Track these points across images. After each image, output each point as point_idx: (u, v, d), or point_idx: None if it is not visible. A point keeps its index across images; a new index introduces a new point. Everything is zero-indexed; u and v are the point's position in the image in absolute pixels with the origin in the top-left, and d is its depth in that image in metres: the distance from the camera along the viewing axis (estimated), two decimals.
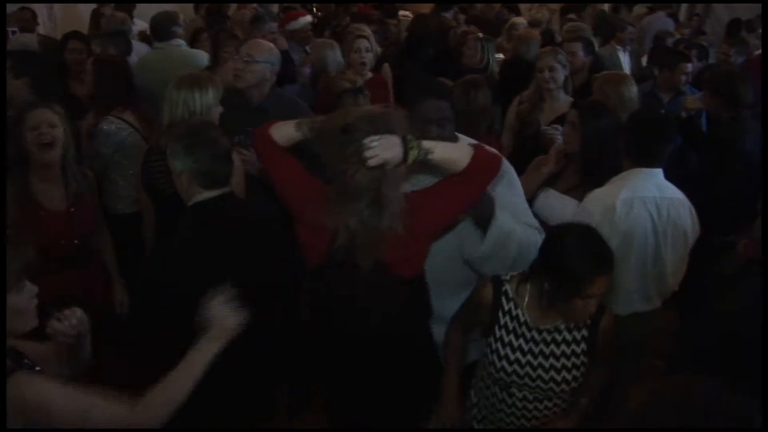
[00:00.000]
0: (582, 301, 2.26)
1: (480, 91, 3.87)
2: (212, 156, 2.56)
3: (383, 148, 2.19)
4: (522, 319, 2.48)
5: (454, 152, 2.36)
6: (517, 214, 2.73)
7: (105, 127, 3.94)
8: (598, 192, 3.02)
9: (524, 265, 2.58)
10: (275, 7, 8.32)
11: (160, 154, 3.16)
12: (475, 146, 2.40)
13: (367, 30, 5.46)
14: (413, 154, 2.25)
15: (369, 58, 5.12)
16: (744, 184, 4.15)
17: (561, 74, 4.40)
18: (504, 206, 2.64)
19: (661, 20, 9.22)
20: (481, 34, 5.84)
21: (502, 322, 2.50)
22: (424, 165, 2.36)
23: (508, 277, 2.53)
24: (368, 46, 5.11)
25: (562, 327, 2.47)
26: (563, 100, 4.40)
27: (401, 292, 2.40)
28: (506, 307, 2.50)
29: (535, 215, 2.96)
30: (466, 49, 5.50)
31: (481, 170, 2.37)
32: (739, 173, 4.26)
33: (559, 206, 3.24)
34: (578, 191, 3.23)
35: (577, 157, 3.33)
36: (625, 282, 3.03)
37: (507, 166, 2.74)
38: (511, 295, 2.50)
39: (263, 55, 3.77)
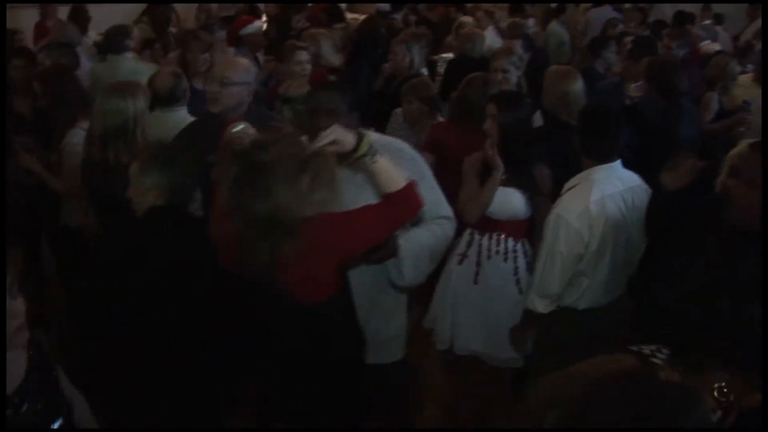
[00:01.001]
0: None
1: (492, 87, 4.00)
2: (183, 177, 2.63)
3: (339, 131, 2.26)
4: None
5: (395, 171, 2.37)
6: (428, 207, 2.72)
7: (75, 140, 3.78)
8: (568, 198, 3.06)
9: (437, 260, 2.76)
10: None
11: (96, 166, 3.18)
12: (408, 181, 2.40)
13: (314, 39, 5.51)
14: (363, 148, 2.29)
15: (309, 69, 5.09)
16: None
17: (514, 75, 4.53)
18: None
19: (607, 13, 9.40)
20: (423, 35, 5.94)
21: None
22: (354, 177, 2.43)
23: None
24: (308, 57, 5.11)
25: None
26: None
27: (309, 316, 2.37)
28: None
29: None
30: (391, 54, 5.50)
31: (408, 202, 2.39)
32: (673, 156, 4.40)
33: (504, 200, 3.31)
34: (508, 182, 3.31)
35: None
36: (602, 277, 3.10)
37: (416, 159, 2.81)
38: None
39: (240, 75, 3.51)
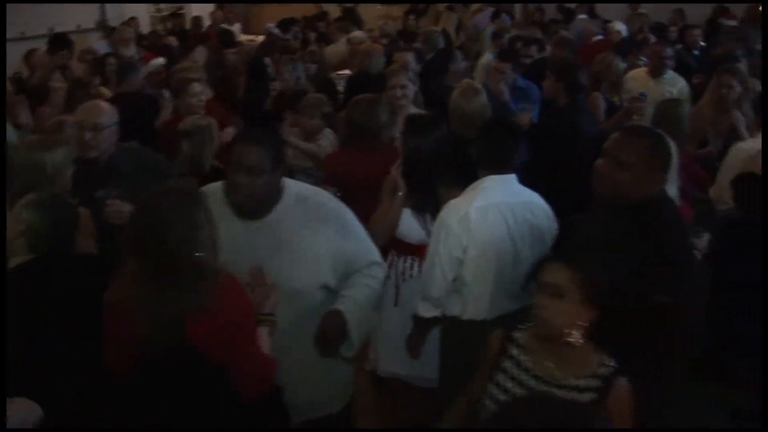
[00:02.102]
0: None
1: (380, 106, 3.96)
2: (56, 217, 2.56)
3: None
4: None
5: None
6: (356, 259, 2.73)
7: None
8: (453, 202, 3.07)
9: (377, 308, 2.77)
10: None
11: None
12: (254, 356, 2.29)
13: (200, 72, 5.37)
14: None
15: (204, 100, 4.98)
16: (580, 162, 4.39)
17: (411, 90, 4.56)
18: (340, 256, 2.67)
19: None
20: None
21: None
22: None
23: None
24: (202, 88, 5.01)
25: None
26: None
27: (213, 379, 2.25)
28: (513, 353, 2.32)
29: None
30: (279, 74, 5.50)
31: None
32: (579, 152, 4.51)
33: (408, 223, 3.32)
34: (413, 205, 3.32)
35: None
36: (486, 288, 3.10)
37: (339, 212, 2.74)
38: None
39: (107, 117, 3.51)
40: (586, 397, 2.07)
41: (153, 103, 5.63)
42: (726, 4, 10.82)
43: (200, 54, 7.86)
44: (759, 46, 6.99)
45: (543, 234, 3.14)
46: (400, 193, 3.27)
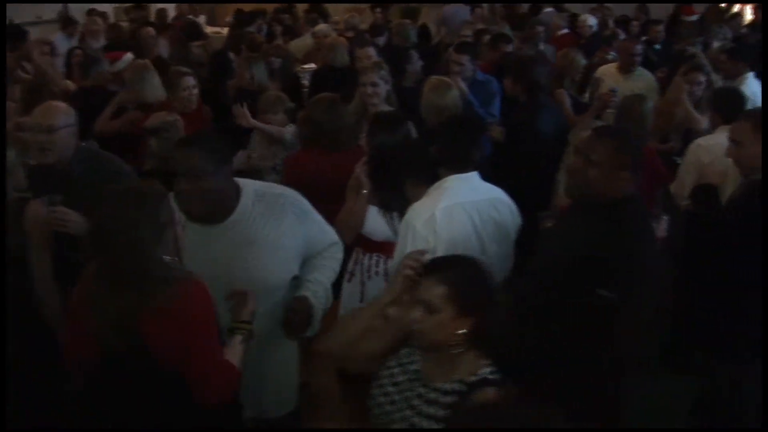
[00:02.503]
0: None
1: (340, 107, 3.91)
2: None
3: None
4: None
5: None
6: (317, 241, 2.80)
7: None
8: (418, 204, 3.07)
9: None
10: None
11: None
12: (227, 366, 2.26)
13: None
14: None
15: (196, 93, 4.89)
16: (541, 158, 4.49)
17: (383, 88, 4.51)
18: (303, 241, 2.70)
19: (461, 10, 9.61)
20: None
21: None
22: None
23: None
24: (195, 82, 4.90)
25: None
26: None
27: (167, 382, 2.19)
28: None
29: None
30: (237, 73, 5.46)
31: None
32: (537, 149, 4.57)
33: (373, 221, 3.33)
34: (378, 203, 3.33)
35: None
36: None
37: (294, 199, 2.74)
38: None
39: (63, 118, 3.32)
40: (448, 399, 2.06)
41: None
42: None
43: (162, 47, 7.68)
44: (716, 43, 7.10)
45: (508, 229, 3.19)
46: (364, 192, 3.27)
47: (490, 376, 2.06)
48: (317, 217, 2.84)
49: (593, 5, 10.48)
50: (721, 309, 3.27)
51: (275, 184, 2.86)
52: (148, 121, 4.06)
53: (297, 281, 2.76)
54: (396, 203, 3.29)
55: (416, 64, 5.64)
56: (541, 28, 7.17)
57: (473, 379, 2.06)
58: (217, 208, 2.52)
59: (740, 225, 3.15)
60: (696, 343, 3.84)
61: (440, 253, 2.95)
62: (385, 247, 3.33)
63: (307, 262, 2.79)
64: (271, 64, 5.86)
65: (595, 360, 2.49)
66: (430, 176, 3.21)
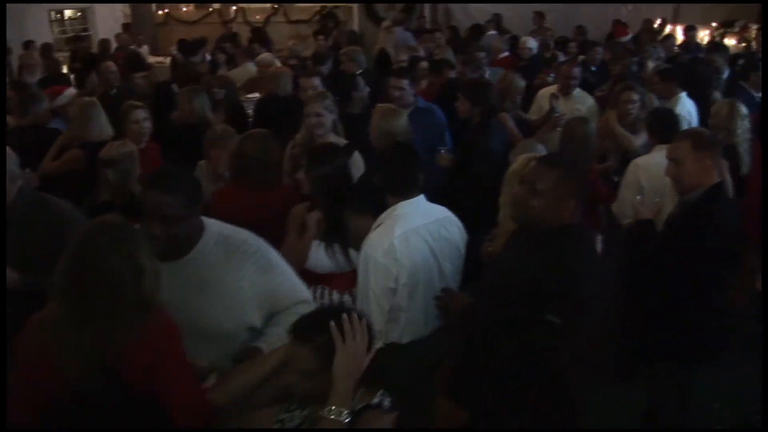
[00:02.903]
0: None
1: (270, 144, 3.82)
2: None
3: None
4: None
5: None
6: (282, 296, 2.66)
7: None
8: (374, 235, 3.08)
9: None
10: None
11: None
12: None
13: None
14: None
15: (148, 126, 4.78)
16: (494, 178, 4.50)
17: (328, 118, 4.47)
18: (265, 294, 2.58)
19: (401, 35, 9.73)
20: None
21: None
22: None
23: None
24: (146, 115, 4.81)
25: None
26: (333, 141, 4.30)
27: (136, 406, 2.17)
28: None
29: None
30: (179, 105, 5.34)
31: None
32: (489, 169, 4.61)
33: (315, 255, 3.31)
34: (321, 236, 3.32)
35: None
36: (420, 309, 3.14)
37: (259, 248, 2.63)
38: None
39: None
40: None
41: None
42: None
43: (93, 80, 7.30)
44: (651, 63, 7.32)
45: (458, 246, 3.28)
46: (312, 227, 3.25)
47: (375, 401, 2.13)
48: (287, 272, 2.72)
49: (534, 28, 10.77)
50: (663, 320, 3.36)
51: (244, 231, 2.68)
52: (103, 152, 3.93)
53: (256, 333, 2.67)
54: (338, 235, 3.29)
55: (363, 90, 5.65)
56: (482, 54, 7.27)
57: (360, 406, 2.10)
58: (177, 248, 2.47)
59: (678, 244, 3.25)
60: (643, 353, 3.97)
61: (404, 279, 3.04)
62: (328, 279, 3.32)
63: (272, 317, 2.67)
64: (215, 95, 5.79)
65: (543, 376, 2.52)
66: (376, 205, 3.23)
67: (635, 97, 5.13)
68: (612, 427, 3.82)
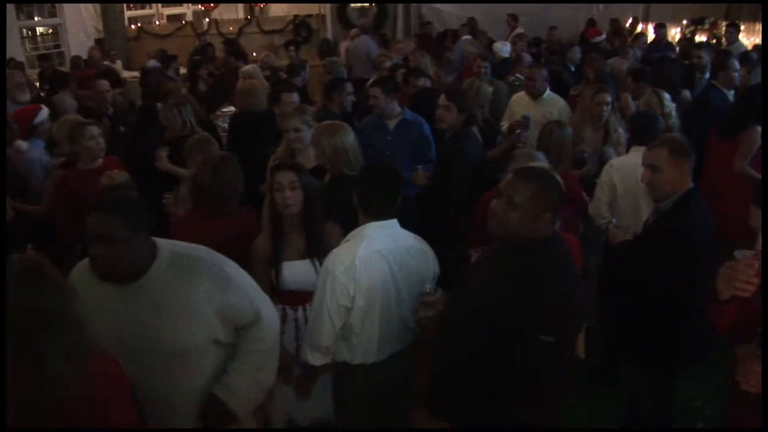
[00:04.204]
0: None
1: (228, 166, 3.73)
2: None
3: None
4: None
5: None
6: (242, 313, 2.66)
7: None
8: (337, 251, 3.06)
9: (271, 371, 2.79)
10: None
11: None
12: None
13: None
14: None
15: (102, 143, 4.68)
16: (465, 188, 4.56)
17: (307, 133, 4.42)
18: (225, 309, 2.59)
19: (364, 43, 9.71)
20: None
21: None
22: None
23: None
24: (100, 131, 4.76)
25: None
26: (313, 155, 4.30)
27: None
28: None
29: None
30: (167, 122, 5.28)
31: None
32: (466, 176, 4.64)
33: (304, 272, 3.31)
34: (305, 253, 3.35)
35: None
36: (373, 333, 3.11)
37: (214, 264, 2.62)
38: None
39: None
40: None
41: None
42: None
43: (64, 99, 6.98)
44: (624, 63, 7.38)
45: (423, 276, 3.16)
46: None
47: None
48: (245, 285, 2.70)
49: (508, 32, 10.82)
50: (641, 327, 3.38)
51: (199, 247, 2.68)
52: (102, 179, 3.93)
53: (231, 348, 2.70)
54: (321, 249, 3.27)
55: (343, 93, 5.63)
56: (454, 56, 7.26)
57: None
58: (127, 270, 2.46)
59: (654, 250, 3.27)
60: (620, 359, 3.99)
61: (360, 301, 3.01)
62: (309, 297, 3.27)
63: (237, 342, 2.71)
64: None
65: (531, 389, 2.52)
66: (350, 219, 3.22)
67: (608, 98, 5.14)
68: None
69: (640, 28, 11.66)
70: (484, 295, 2.56)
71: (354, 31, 11.13)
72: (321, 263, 3.16)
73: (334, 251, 3.06)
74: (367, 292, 3.01)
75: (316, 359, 3.08)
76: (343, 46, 10.87)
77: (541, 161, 3.72)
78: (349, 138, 4.01)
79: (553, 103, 6.04)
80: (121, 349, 2.34)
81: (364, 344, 3.11)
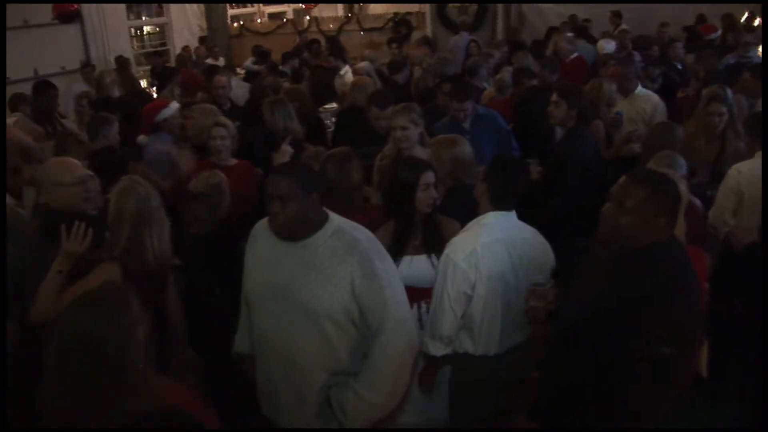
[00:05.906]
0: None
1: (353, 164, 3.74)
2: None
3: None
4: None
5: None
6: (372, 312, 2.67)
7: None
8: (457, 239, 3.07)
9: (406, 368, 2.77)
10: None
11: None
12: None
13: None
14: None
15: (228, 145, 4.73)
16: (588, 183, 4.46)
17: (414, 132, 4.39)
18: (357, 295, 2.65)
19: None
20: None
21: None
22: None
23: None
24: (226, 133, 4.74)
25: None
26: (420, 153, 4.28)
27: None
28: None
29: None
30: (267, 120, 5.33)
31: None
32: (584, 174, 4.61)
33: (423, 268, 3.26)
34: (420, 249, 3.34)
35: None
36: (496, 322, 3.09)
37: (370, 253, 2.68)
38: None
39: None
40: None
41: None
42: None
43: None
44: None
45: (541, 268, 3.19)
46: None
47: None
48: (385, 287, 2.68)
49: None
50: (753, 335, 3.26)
51: (365, 232, 2.80)
52: (192, 184, 3.89)
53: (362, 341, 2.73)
54: (436, 245, 3.26)
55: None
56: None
57: None
58: (298, 229, 2.70)
59: None
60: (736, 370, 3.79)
61: (481, 289, 3.01)
62: (427, 293, 3.23)
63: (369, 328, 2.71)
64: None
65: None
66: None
67: (723, 109, 4.76)
68: None
69: (757, 22, 11.00)
70: (600, 304, 2.47)
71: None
72: (438, 259, 3.15)
73: (454, 239, 3.09)
74: (488, 280, 3.01)
75: (437, 349, 3.09)
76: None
77: (681, 167, 3.59)
78: (468, 148, 3.96)
79: (647, 99, 5.86)
80: (270, 296, 2.72)
81: (485, 334, 3.10)
